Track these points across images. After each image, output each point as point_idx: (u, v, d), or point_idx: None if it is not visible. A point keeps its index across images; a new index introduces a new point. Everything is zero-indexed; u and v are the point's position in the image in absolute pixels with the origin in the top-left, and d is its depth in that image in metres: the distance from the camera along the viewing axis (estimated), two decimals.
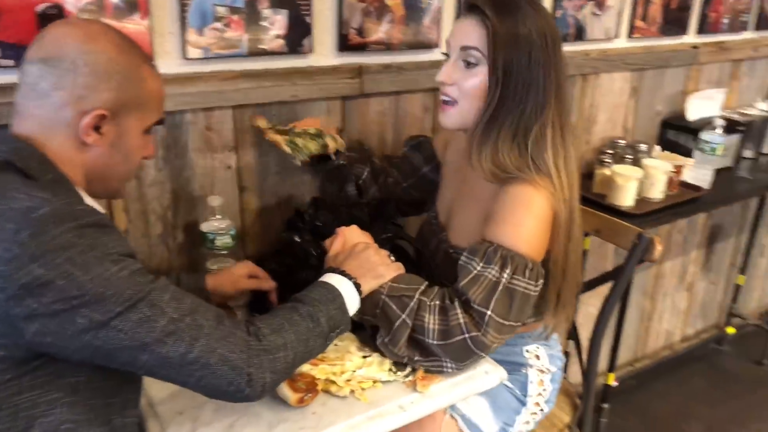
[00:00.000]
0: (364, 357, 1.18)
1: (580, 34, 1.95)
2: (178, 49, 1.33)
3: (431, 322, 1.09)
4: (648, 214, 1.87)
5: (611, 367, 2.13)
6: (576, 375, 1.77)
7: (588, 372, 1.64)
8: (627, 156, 2.02)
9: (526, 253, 1.12)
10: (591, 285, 1.67)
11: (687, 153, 2.15)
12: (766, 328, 2.75)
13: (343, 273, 1.12)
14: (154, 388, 1.12)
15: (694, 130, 2.19)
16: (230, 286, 1.29)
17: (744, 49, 2.41)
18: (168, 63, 1.32)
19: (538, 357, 1.36)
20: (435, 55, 1.65)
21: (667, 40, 2.18)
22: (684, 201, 1.97)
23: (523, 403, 1.32)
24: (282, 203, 1.56)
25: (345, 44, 1.52)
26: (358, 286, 1.11)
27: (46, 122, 0.90)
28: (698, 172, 2.07)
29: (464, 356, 1.10)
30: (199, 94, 1.35)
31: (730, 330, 2.83)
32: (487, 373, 1.20)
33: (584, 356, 1.66)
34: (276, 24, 1.41)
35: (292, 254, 1.37)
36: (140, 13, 1.26)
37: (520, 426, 1.31)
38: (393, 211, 1.38)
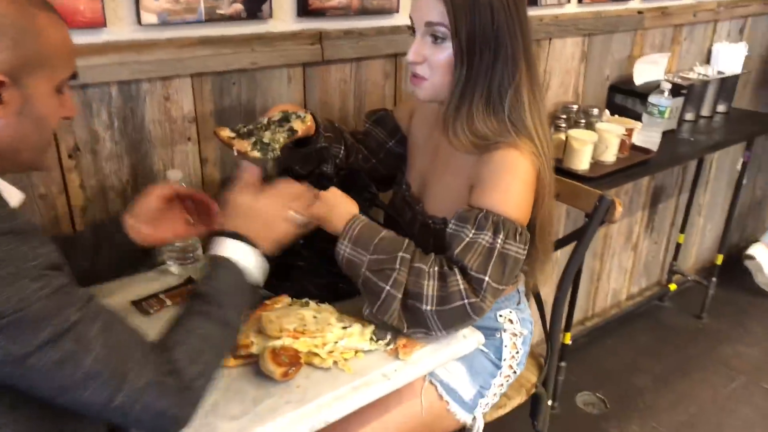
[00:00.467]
0: (344, 328, 1.17)
1: (533, 0, 1.96)
2: (132, 15, 1.25)
3: (430, 287, 1.07)
4: (602, 177, 1.92)
5: (567, 327, 2.20)
6: (536, 336, 1.81)
7: (552, 332, 1.68)
8: (580, 120, 2.06)
9: (516, 217, 1.12)
10: (554, 247, 1.70)
11: (634, 116, 2.21)
12: (704, 283, 2.89)
13: (238, 237, 1.00)
14: None
15: (640, 94, 2.25)
16: (157, 229, 1.16)
17: (685, 14, 2.47)
18: (121, 29, 1.25)
19: (511, 321, 1.38)
20: (395, 20, 1.63)
21: (614, 6, 2.21)
22: (635, 163, 2.03)
23: (499, 367, 1.35)
24: None
25: (305, 9, 1.47)
26: (249, 241, 1.00)
27: None
28: (647, 135, 2.13)
29: (458, 322, 1.09)
30: (156, 63, 1.29)
31: (672, 287, 2.96)
32: (465, 337, 1.21)
33: (547, 317, 1.70)
34: None
35: None
36: None
37: (495, 389, 1.34)
38: (366, 181, 1.35)
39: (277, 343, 1.11)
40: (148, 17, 1.26)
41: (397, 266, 1.08)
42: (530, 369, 1.64)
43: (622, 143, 2.02)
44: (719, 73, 2.56)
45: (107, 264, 1.15)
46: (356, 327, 1.18)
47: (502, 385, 1.35)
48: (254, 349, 1.11)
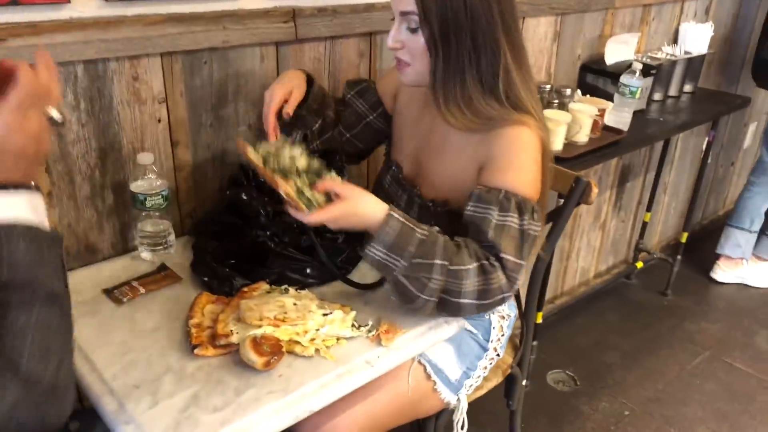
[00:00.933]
0: (325, 315, 1.15)
1: None
2: None
3: (470, 285, 1.07)
4: (576, 158, 1.92)
5: (539, 306, 2.22)
6: None
7: (527, 312, 1.68)
8: (553, 101, 2.05)
9: (531, 196, 1.14)
10: None
11: (605, 96, 2.22)
12: (669, 261, 2.94)
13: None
14: (102, 362, 1.05)
15: (611, 73, 2.25)
16: None
17: None
18: (86, 5, 1.18)
19: None
20: None
21: None
22: (607, 144, 2.04)
23: (485, 349, 1.35)
24: (217, 158, 1.47)
25: None
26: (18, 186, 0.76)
27: None
28: (618, 115, 2.14)
29: (491, 309, 1.13)
30: (123, 41, 1.23)
31: (639, 264, 3.01)
32: (448, 323, 1.20)
33: (522, 298, 1.71)
34: None
35: (239, 213, 1.30)
36: None
37: (480, 371, 1.34)
38: (341, 164, 1.33)
39: (258, 331, 1.08)
40: None
41: (434, 276, 1.06)
42: (506, 350, 1.65)
43: (595, 123, 2.02)
44: (686, 53, 2.59)
45: None
46: (337, 313, 1.16)
47: (486, 367, 1.36)
48: (234, 338, 1.09)
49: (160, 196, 1.30)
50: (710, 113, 2.55)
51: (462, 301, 1.07)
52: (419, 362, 1.26)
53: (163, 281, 1.27)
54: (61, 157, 1.24)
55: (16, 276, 0.73)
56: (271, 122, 1.25)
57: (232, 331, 1.10)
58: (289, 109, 1.28)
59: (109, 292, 1.23)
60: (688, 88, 2.66)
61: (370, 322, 1.16)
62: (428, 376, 1.27)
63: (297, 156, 1.17)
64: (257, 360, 1.03)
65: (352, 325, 1.15)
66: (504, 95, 1.16)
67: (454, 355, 1.30)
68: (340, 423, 1.16)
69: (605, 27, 2.37)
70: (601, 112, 2.05)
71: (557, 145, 1.90)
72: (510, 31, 1.15)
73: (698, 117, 2.48)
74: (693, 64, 2.61)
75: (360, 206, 1.07)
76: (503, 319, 1.38)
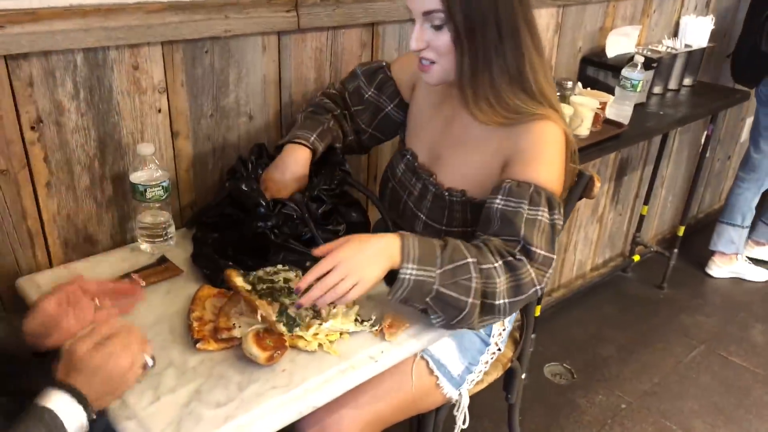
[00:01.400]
0: (329, 309, 1.14)
1: None
2: None
3: (502, 283, 1.05)
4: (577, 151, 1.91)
5: (538, 300, 2.21)
6: None
7: (527, 306, 1.68)
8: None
9: (557, 190, 1.14)
10: None
11: (605, 89, 2.20)
12: (666, 254, 2.95)
13: (73, 391, 0.83)
14: None
15: (612, 66, 2.24)
16: (52, 327, 0.98)
17: None
18: None
19: None
20: None
21: None
22: (608, 137, 2.03)
23: (487, 344, 1.34)
24: (217, 149, 1.45)
25: None
26: (87, 406, 0.84)
27: None
28: (619, 108, 2.13)
29: (526, 303, 1.11)
30: (124, 29, 1.20)
31: (636, 258, 3.02)
32: None
33: None
34: None
35: (239, 204, 1.28)
36: None
37: (481, 366, 1.34)
38: (340, 158, 1.31)
39: (261, 326, 1.07)
40: None
41: (472, 273, 1.04)
42: (506, 344, 1.64)
43: (596, 117, 2.01)
44: (686, 46, 2.58)
45: None
46: (341, 308, 1.15)
47: (487, 362, 1.35)
48: (236, 332, 1.08)
49: (160, 188, 1.28)
50: (710, 107, 2.55)
51: (499, 302, 1.05)
52: (422, 358, 1.25)
53: (164, 274, 1.26)
54: (59, 146, 1.22)
55: None
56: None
57: (234, 324, 1.09)
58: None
59: None
60: (687, 81, 2.65)
61: (374, 317, 1.15)
62: (431, 372, 1.26)
63: (292, 278, 1.17)
64: (260, 354, 1.02)
65: (356, 320, 1.14)
66: (532, 88, 1.15)
67: (456, 351, 1.29)
68: (344, 418, 1.15)
69: (606, 19, 2.35)
70: (603, 105, 2.04)
71: None
72: (528, 19, 1.15)
73: (698, 111, 2.48)
74: (693, 58, 2.60)
75: (366, 240, 1.03)
76: None
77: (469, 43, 1.11)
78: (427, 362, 1.25)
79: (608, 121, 2.09)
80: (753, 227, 3.09)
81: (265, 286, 1.14)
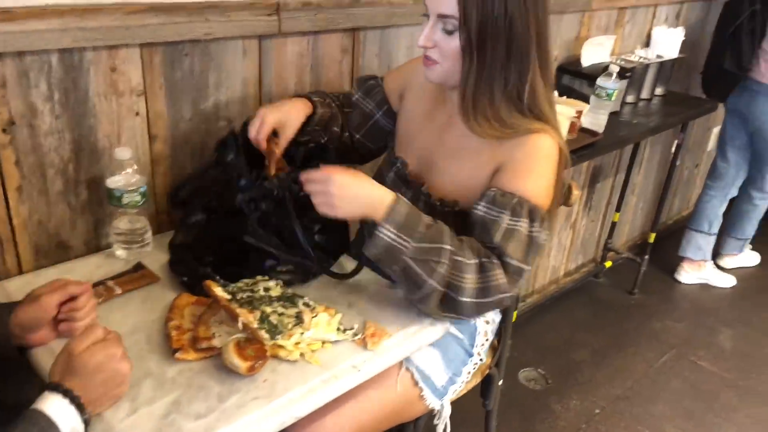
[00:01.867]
0: (311, 317, 1.12)
1: None
2: None
3: (471, 281, 1.07)
4: None
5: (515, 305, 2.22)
6: None
7: (506, 312, 1.69)
8: None
9: (544, 205, 1.14)
10: None
11: (580, 98, 2.23)
12: (637, 260, 2.99)
13: (68, 394, 0.82)
14: None
15: (587, 75, 2.27)
16: (43, 325, 1.00)
17: None
18: None
19: None
20: None
21: None
22: (583, 145, 2.05)
23: (470, 354, 1.34)
24: (195, 153, 1.43)
25: None
26: (83, 409, 0.83)
27: None
28: (594, 117, 2.15)
29: (492, 309, 1.13)
30: (102, 30, 1.17)
31: (608, 264, 3.06)
32: (433, 324, 1.19)
33: None
34: None
35: (223, 176, 1.25)
36: None
37: (465, 376, 1.33)
38: (333, 157, 1.29)
39: (241, 335, 1.05)
40: None
41: (443, 259, 1.05)
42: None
43: (572, 125, 2.03)
44: (658, 56, 2.62)
45: None
46: (323, 316, 1.13)
47: (470, 372, 1.35)
48: (216, 342, 1.06)
49: (137, 193, 1.25)
50: (681, 116, 2.60)
51: (463, 299, 1.07)
52: (407, 369, 1.24)
53: (140, 281, 1.23)
54: (32, 149, 1.18)
55: None
56: (263, 147, 1.24)
57: (214, 333, 1.07)
58: (278, 150, 1.26)
59: None
60: (659, 91, 2.69)
61: (356, 325, 1.14)
62: (415, 383, 1.25)
63: (272, 287, 1.17)
64: (241, 364, 1.00)
65: (338, 329, 1.13)
66: (528, 108, 1.16)
67: (441, 362, 1.28)
68: (326, 429, 1.14)
69: (582, 29, 2.38)
70: (578, 114, 2.06)
71: None
72: (542, 47, 1.16)
73: (670, 120, 2.52)
74: (664, 68, 2.65)
75: (368, 183, 1.08)
76: (488, 323, 1.38)
77: (477, 55, 1.12)
78: (412, 374, 1.25)
79: (584, 130, 2.11)
80: (723, 243, 3.17)
81: (245, 295, 1.12)
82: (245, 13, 1.36)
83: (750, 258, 3.31)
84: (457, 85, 1.18)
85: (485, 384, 1.63)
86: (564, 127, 1.98)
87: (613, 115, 2.35)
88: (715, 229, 3.07)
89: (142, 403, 0.95)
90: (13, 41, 1.08)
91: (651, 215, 3.35)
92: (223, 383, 1.01)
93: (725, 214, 3.07)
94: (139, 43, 1.24)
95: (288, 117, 1.28)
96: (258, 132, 1.23)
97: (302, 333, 1.08)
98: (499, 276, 1.08)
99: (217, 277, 1.18)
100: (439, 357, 1.28)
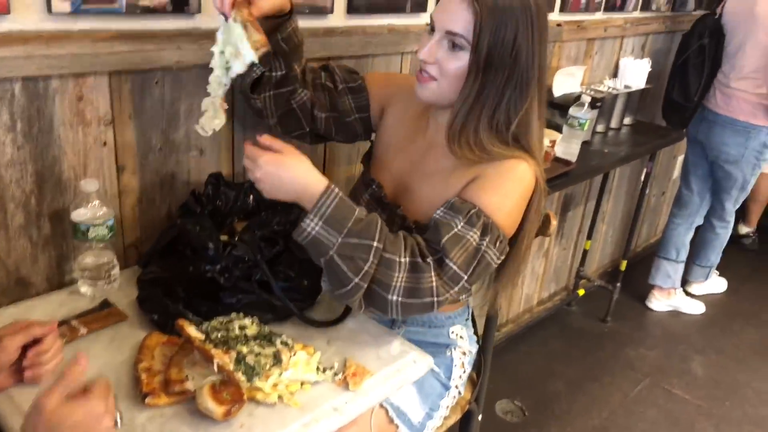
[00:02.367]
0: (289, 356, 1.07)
1: None
2: (41, 1, 1.09)
3: (399, 279, 1.02)
4: None
5: None
6: None
7: (484, 345, 1.65)
8: None
9: (503, 225, 1.11)
10: None
11: (552, 127, 2.23)
12: (609, 288, 3.00)
13: None
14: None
15: (559, 105, 2.29)
16: (2, 370, 0.95)
17: (597, 28, 2.55)
18: (28, 18, 1.08)
19: (462, 337, 1.34)
20: (330, 21, 1.54)
21: None
22: (558, 175, 2.05)
23: (447, 388, 1.30)
24: (165, 184, 1.38)
25: None
26: None
27: None
28: (567, 147, 2.16)
29: (419, 312, 1.06)
30: (68, 57, 1.13)
31: (581, 292, 3.06)
32: (415, 362, 1.16)
33: (480, 330, 1.68)
34: None
35: (188, 244, 1.21)
36: None
37: (443, 411, 1.29)
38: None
39: (216, 378, 1.00)
40: (60, 5, 1.10)
41: (370, 258, 1.01)
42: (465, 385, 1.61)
43: (546, 154, 2.03)
44: (626, 87, 2.67)
45: None
46: (301, 354, 1.09)
47: (448, 406, 1.31)
48: (189, 385, 1.00)
49: (104, 227, 1.19)
50: (650, 146, 2.63)
51: (391, 297, 1.03)
52: (381, 405, 1.20)
53: (107, 319, 1.16)
54: None
55: None
56: (227, 10, 1.10)
57: (186, 376, 1.01)
58: (254, 11, 1.12)
59: None
60: (627, 120, 2.73)
61: (336, 364, 1.10)
62: (390, 420, 1.21)
63: (247, 325, 1.12)
64: (216, 409, 0.94)
65: (317, 368, 1.08)
66: (513, 138, 1.15)
67: (417, 396, 1.24)
68: None
69: (553, 59, 2.40)
70: (552, 143, 2.07)
71: None
72: (542, 83, 1.16)
73: (639, 149, 2.56)
74: (632, 98, 2.69)
75: (301, 169, 1.03)
76: (464, 355, 1.34)
77: (480, 79, 1.11)
78: (387, 410, 1.20)
79: (557, 159, 2.12)
80: (689, 270, 3.20)
81: (219, 335, 1.07)
82: None
83: (717, 284, 3.36)
84: (445, 106, 1.17)
85: (464, 420, 1.59)
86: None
87: (585, 145, 2.36)
88: (683, 256, 3.10)
89: None
90: None
91: (621, 243, 3.37)
92: (197, 429, 0.95)
93: (691, 242, 3.11)
94: (108, 70, 1.20)
95: None
96: None
97: (280, 373, 1.03)
98: (431, 280, 1.04)
99: (190, 315, 1.13)
100: (414, 392, 1.24)
